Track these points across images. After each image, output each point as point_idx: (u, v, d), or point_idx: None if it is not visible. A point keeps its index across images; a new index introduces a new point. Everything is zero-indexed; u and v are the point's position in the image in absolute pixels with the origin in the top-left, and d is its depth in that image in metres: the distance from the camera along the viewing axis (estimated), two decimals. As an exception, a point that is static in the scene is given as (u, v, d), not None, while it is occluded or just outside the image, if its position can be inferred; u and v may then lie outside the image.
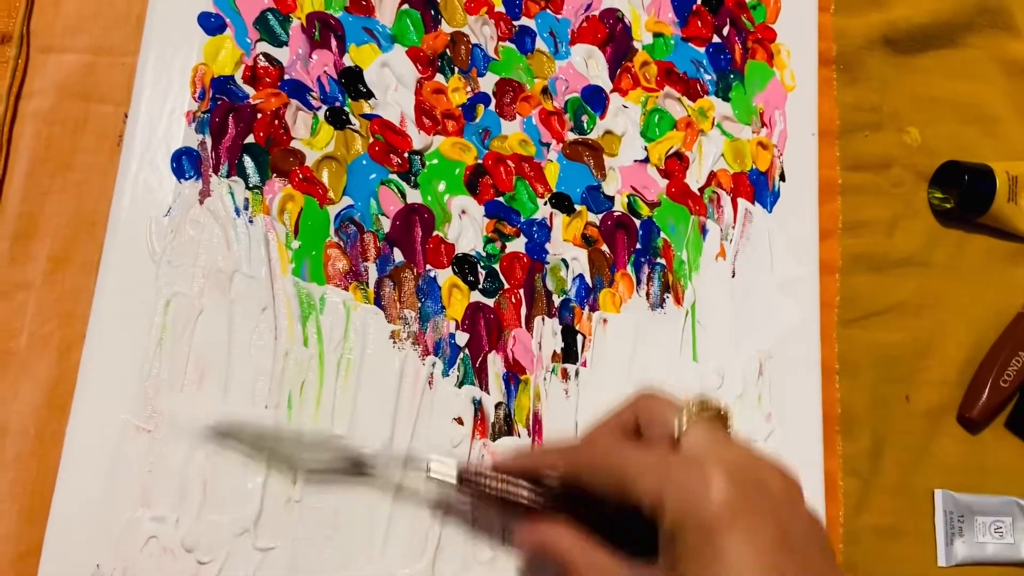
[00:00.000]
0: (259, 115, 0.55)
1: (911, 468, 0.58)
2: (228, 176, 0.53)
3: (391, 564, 0.49)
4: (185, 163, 0.53)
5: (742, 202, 0.59)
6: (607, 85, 0.60)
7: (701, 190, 0.59)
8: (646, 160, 0.59)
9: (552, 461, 0.42)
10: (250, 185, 0.54)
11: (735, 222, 0.59)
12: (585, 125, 0.59)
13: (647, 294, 0.56)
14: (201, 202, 0.53)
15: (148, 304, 0.51)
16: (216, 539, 0.48)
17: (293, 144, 0.55)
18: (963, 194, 0.62)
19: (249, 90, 0.55)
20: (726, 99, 0.61)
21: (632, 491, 0.36)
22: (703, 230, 0.58)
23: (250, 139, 0.54)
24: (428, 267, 0.54)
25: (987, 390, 0.59)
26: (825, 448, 0.56)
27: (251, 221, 0.53)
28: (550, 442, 0.43)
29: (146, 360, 0.50)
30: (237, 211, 0.53)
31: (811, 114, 0.62)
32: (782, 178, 0.60)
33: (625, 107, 0.59)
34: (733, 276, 0.58)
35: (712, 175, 0.59)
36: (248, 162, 0.54)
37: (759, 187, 0.60)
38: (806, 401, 0.56)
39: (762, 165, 0.60)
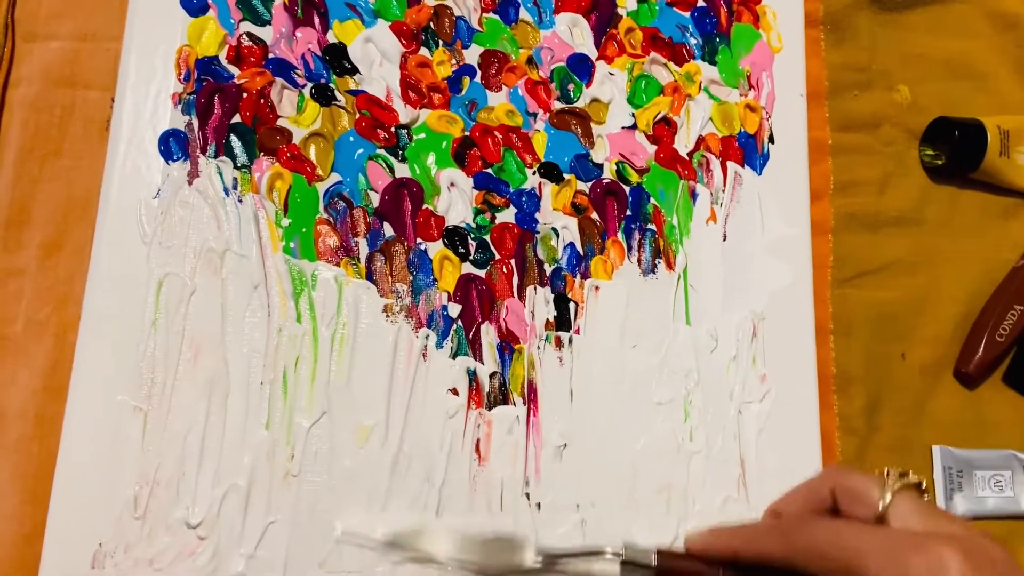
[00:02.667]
0: (245, 94, 0.55)
1: (908, 425, 0.58)
2: (216, 156, 0.54)
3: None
4: (172, 145, 0.53)
5: (731, 165, 0.59)
6: (592, 53, 0.59)
7: (690, 155, 0.59)
8: (634, 127, 0.59)
9: (759, 543, 0.38)
10: (238, 164, 0.54)
11: (725, 186, 0.59)
12: (571, 94, 0.58)
13: (639, 260, 0.56)
14: (190, 183, 0.53)
15: (141, 285, 0.51)
16: (216, 514, 0.49)
17: (280, 122, 0.55)
18: (954, 150, 0.61)
19: (234, 70, 0.55)
20: (712, 63, 0.61)
21: (862, 573, 0.34)
22: (693, 195, 0.58)
23: (236, 119, 0.54)
24: (419, 240, 0.54)
25: (983, 345, 0.59)
26: (821, 407, 0.56)
27: (240, 200, 0.53)
28: (742, 522, 0.40)
29: (141, 341, 0.50)
30: (226, 191, 0.53)
31: (799, 75, 0.62)
32: (771, 140, 0.60)
33: (611, 74, 0.59)
34: (724, 239, 0.58)
35: (700, 139, 0.59)
36: (235, 142, 0.54)
37: (748, 150, 0.59)
38: (801, 361, 0.56)
39: (751, 128, 0.60)
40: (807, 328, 0.57)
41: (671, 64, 0.60)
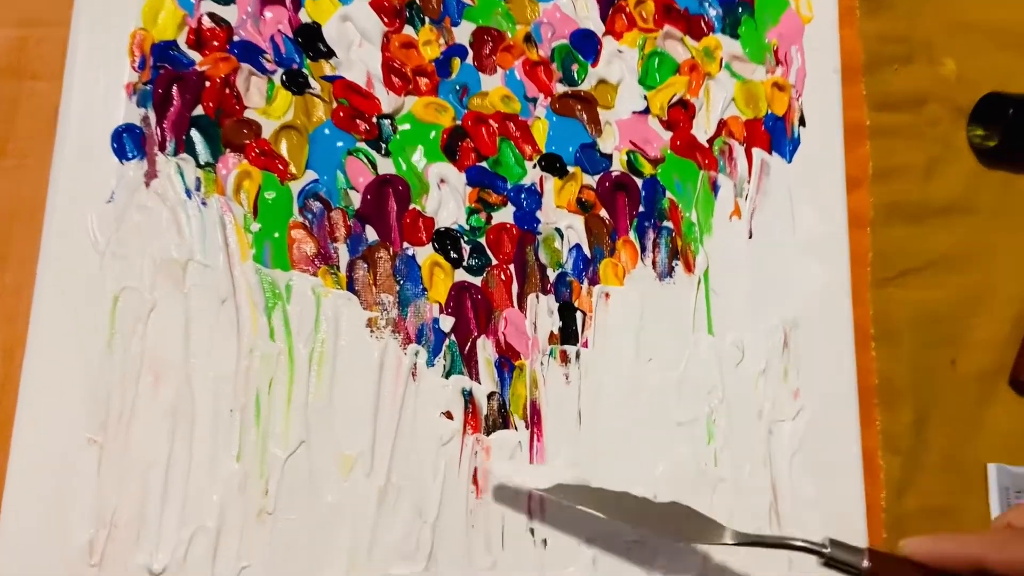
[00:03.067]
0: (207, 83, 0.49)
1: (960, 441, 0.52)
2: (176, 154, 0.48)
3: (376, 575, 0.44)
4: (127, 142, 0.48)
5: (757, 152, 0.52)
6: (599, 28, 0.53)
7: (710, 141, 0.52)
8: (646, 111, 0.52)
9: (1013, 551, 0.36)
10: (201, 163, 0.48)
11: (750, 176, 0.52)
12: (576, 75, 0.52)
13: (653, 262, 0.50)
14: (147, 184, 0.47)
15: (94, 301, 0.46)
16: (182, 559, 0.43)
17: (247, 114, 0.49)
18: (1008, 129, 0.55)
19: (195, 56, 0.49)
20: (735, 36, 0.54)
21: None
22: (714, 187, 0.52)
23: (198, 111, 0.49)
24: (405, 245, 0.48)
25: (1044, 350, 0.53)
26: (862, 424, 0.50)
27: (204, 203, 0.47)
28: (967, 532, 0.37)
29: (94, 364, 0.45)
30: (188, 192, 0.47)
31: (832, 48, 0.55)
32: (802, 123, 0.53)
33: (620, 52, 0.53)
34: (750, 237, 0.51)
35: (722, 124, 0.53)
36: (197, 137, 0.48)
37: (776, 134, 0.53)
38: (839, 373, 0.50)
39: (779, 109, 0.53)
40: (845, 335, 0.51)
41: (687, 39, 0.53)
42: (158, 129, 0.48)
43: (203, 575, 0.43)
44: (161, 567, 0.43)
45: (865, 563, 0.38)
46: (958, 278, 0.54)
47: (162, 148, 0.48)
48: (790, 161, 0.53)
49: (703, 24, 0.54)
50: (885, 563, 0.39)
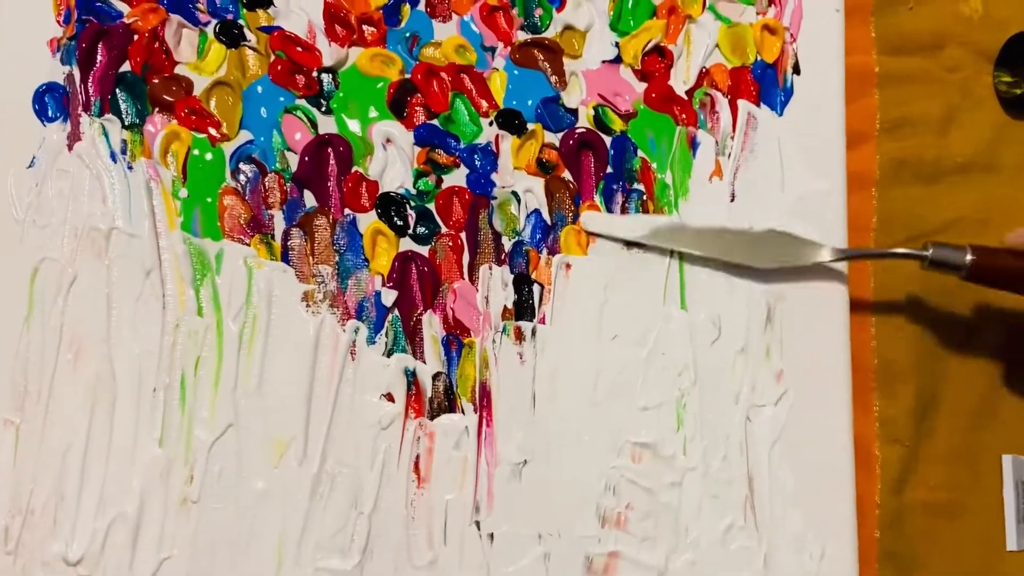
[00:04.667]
0: (135, 36, 0.45)
1: (971, 429, 0.46)
2: (100, 115, 0.44)
3: (307, 569, 0.41)
4: (49, 102, 0.45)
5: (744, 104, 0.47)
6: (567, -33, 0.47)
7: (690, 93, 0.47)
8: (618, 60, 0.47)
9: None
10: (127, 123, 0.44)
11: (735, 131, 0.46)
12: (539, 21, 0.47)
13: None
14: (70, 148, 0.44)
15: (11, 273, 0.43)
16: (100, 548, 0.41)
17: (177, 70, 0.45)
18: (1040, 75, 0.48)
19: (123, 7, 0.45)
20: (722, -27, 0.48)
21: None
22: (693, 144, 0.46)
23: (125, 67, 0.45)
24: (346, 211, 0.44)
25: (1073, 327, 0.46)
26: (856, 410, 0.45)
27: (130, 167, 0.44)
28: None
29: (11, 339, 0.42)
30: (113, 156, 0.44)
31: (836, -16, 0.49)
32: (796, 70, 0.47)
33: (590, -7, 0.47)
34: (732, 200, 0.46)
35: (704, 73, 0.47)
36: (123, 95, 0.45)
37: (766, 84, 0.47)
38: (830, 352, 0.45)
39: (769, 56, 0.47)
40: (839, 310, 0.45)
41: (667, -23, 0.48)
42: (82, 88, 0.45)
43: (122, 566, 0.41)
44: (77, 556, 0.41)
45: (968, 257, 0.42)
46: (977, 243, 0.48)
47: (86, 108, 0.44)
48: (781, 114, 0.47)
49: (685, -40, 0.48)
50: (988, 255, 0.42)
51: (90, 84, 0.45)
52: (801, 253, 0.44)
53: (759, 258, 0.44)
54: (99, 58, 0.45)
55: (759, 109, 0.47)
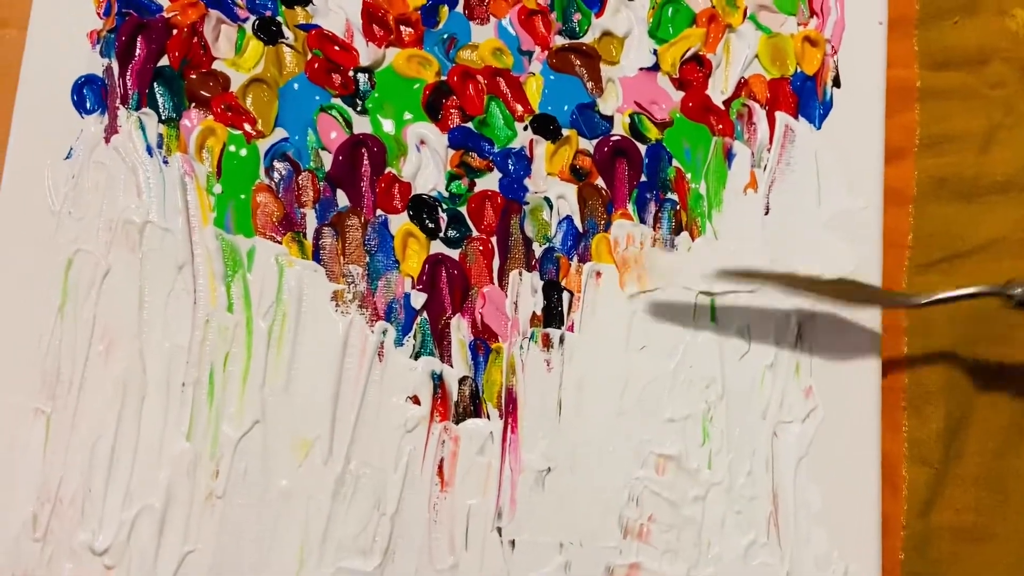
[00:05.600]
0: (173, 31, 0.45)
1: (1000, 454, 0.45)
2: (138, 108, 0.45)
3: (328, 568, 0.41)
4: (88, 94, 0.45)
5: (781, 117, 0.46)
6: (607, -28, 0.47)
7: (727, 103, 0.46)
8: (656, 67, 0.46)
9: None
10: (163, 118, 0.45)
11: (771, 143, 0.46)
12: (577, 26, 0.46)
13: (653, 239, 0.45)
14: (107, 140, 0.44)
15: (47, 264, 0.43)
16: (125, 540, 0.41)
17: (215, 66, 0.45)
18: (1087, 94, 0.47)
19: (163, 1, 0.46)
20: (764, -18, 0.47)
21: None
22: (728, 155, 0.46)
23: (164, 61, 0.45)
24: (378, 212, 0.44)
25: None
26: (885, 429, 0.44)
27: (165, 162, 0.44)
28: None
29: (44, 329, 0.43)
30: (149, 150, 0.44)
31: (880, -4, 0.48)
32: (836, 83, 0.47)
33: (629, 0, 0.47)
34: (767, 213, 0.45)
35: (742, 83, 0.46)
36: (160, 90, 0.45)
37: (805, 96, 0.46)
38: (860, 370, 0.44)
39: (809, 68, 0.47)
40: (872, 327, 0.45)
41: (708, -15, 0.47)
42: (121, 81, 0.45)
43: (146, 557, 0.41)
44: (104, 546, 0.41)
45: None
46: (1014, 264, 0.47)
47: (124, 102, 0.45)
48: (819, 127, 0.46)
49: (727, -32, 0.47)
50: None
51: (128, 77, 0.45)
52: (876, 299, 0.44)
53: (841, 296, 0.43)
54: (138, 52, 0.45)
55: (797, 122, 0.46)
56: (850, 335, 0.44)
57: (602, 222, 0.45)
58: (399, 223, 0.44)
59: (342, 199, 0.44)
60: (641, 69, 0.46)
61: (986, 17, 0.49)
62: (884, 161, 0.46)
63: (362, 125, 0.45)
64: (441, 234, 0.44)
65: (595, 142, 0.45)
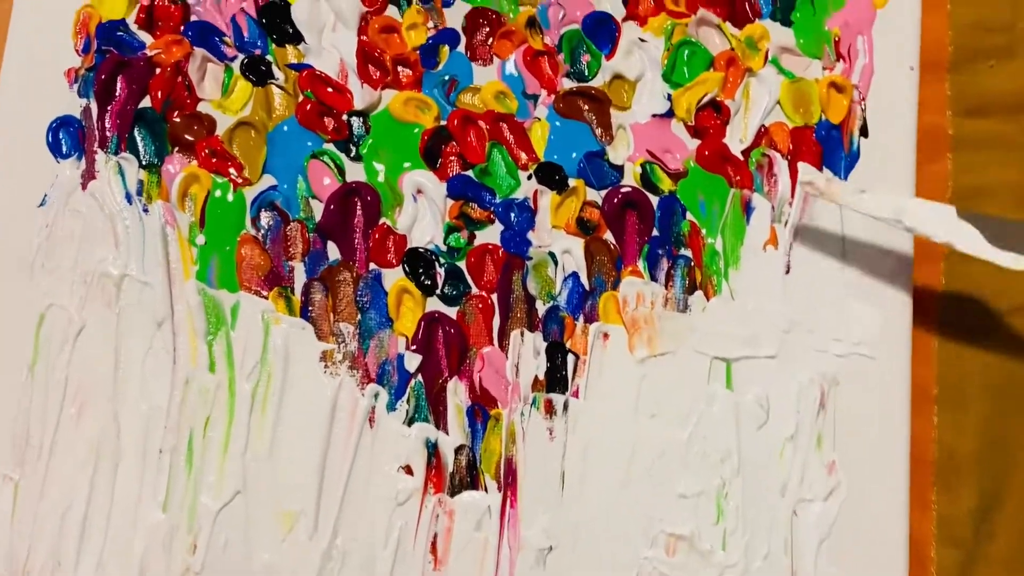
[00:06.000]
0: (156, 70, 0.42)
1: (1038, 533, 0.42)
2: (117, 152, 0.42)
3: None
4: (64, 137, 0.42)
5: (805, 168, 0.43)
6: (619, 11, 0.44)
7: (746, 153, 0.43)
8: (670, 114, 0.43)
9: None
10: (144, 163, 0.42)
11: (793, 196, 0.43)
12: (586, 68, 0.44)
13: (665, 298, 0.42)
14: (84, 186, 0.42)
15: (17, 320, 0.41)
16: (95, 619, 0.38)
17: (200, 107, 0.43)
18: None
19: (146, 38, 0.43)
20: (787, 23, 0.44)
21: None
22: (747, 208, 0.43)
23: (146, 102, 0.42)
24: (371, 266, 0.42)
25: None
26: (913, 507, 0.41)
27: (146, 210, 0.42)
28: None
29: (14, 389, 0.40)
30: (128, 197, 0.42)
31: (911, 39, 0.45)
32: (864, 132, 0.44)
33: (642, 40, 0.44)
34: (787, 272, 0.42)
35: (763, 131, 0.43)
36: (141, 133, 0.42)
37: (830, 146, 0.43)
38: (888, 443, 0.41)
39: (835, 116, 0.44)
40: (900, 397, 0.41)
41: (727, 25, 0.44)
42: (99, 123, 0.42)
43: (118, 638, 0.38)
44: (72, 625, 0.38)
45: None
46: (1052, 328, 0.44)
47: (103, 145, 0.42)
48: (845, 179, 0.43)
49: (748, 8, 0.44)
50: None
51: (107, 119, 0.42)
52: None
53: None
54: (118, 91, 0.42)
55: (822, 174, 0.43)
56: (876, 404, 0.41)
57: (610, 279, 0.42)
58: (393, 278, 0.41)
59: (333, 252, 0.42)
60: (654, 115, 0.43)
61: (1024, 61, 0.46)
62: (914, 216, 0.43)
63: (355, 173, 0.42)
64: (438, 291, 0.42)
65: (604, 193, 0.42)
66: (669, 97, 0.43)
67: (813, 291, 0.42)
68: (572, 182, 0.42)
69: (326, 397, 0.40)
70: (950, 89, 0.45)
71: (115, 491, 0.40)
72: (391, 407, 0.41)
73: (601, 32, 0.44)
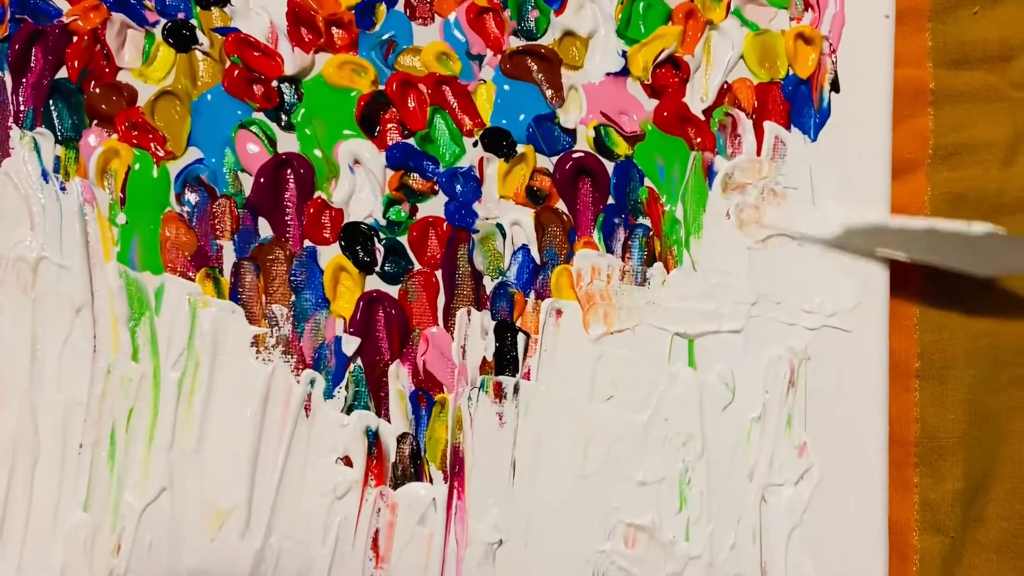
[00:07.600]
0: (73, 38, 0.40)
1: (1030, 516, 0.39)
2: (33, 127, 0.39)
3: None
4: (-25, 113, 0.39)
5: (770, 127, 0.40)
6: (569, -37, 0.41)
7: (708, 112, 0.40)
8: (625, 72, 0.40)
9: None
10: (61, 138, 0.39)
11: (759, 158, 0.40)
12: (535, 26, 0.40)
13: (623, 271, 0.39)
14: (-2, 165, 0.39)
15: (-74, 308, 0.38)
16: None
17: (119, 77, 0.40)
18: None
19: (63, 4, 0.40)
20: (751, -28, 0.41)
21: None
22: (709, 172, 0.40)
23: (62, 73, 0.40)
24: (306, 243, 0.39)
25: None
26: (893, 491, 0.38)
27: (63, 188, 0.39)
28: None
29: (-77, 384, 0.38)
30: (44, 175, 0.39)
31: (886, -15, 0.41)
32: (834, 88, 0.40)
33: (595, -6, 0.41)
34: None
35: (725, 89, 0.40)
36: (57, 106, 0.39)
37: (798, 103, 0.40)
38: (864, 421, 0.38)
39: (803, 70, 0.40)
40: (877, 371, 0.39)
41: (686, -25, 0.41)
42: (14, 97, 0.39)
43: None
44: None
45: None
46: (1043, 294, 0.41)
47: (17, 120, 0.39)
48: (815, 139, 0.40)
49: (707, -45, 0.41)
50: None
51: (22, 92, 0.39)
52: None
53: (978, 263, 0.38)
54: (33, 62, 0.40)
55: (789, 133, 0.40)
56: (851, 380, 0.38)
57: (563, 252, 0.39)
58: (329, 256, 0.39)
59: (264, 229, 0.39)
60: (608, 74, 0.40)
61: (1011, 6, 0.42)
62: (892, 176, 0.40)
63: (287, 143, 0.39)
64: (378, 268, 0.39)
65: (555, 159, 0.39)
66: (624, 54, 0.40)
67: (781, 259, 0.39)
68: (521, 148, 0.39)
69: (258, 385, 0.38)
70: (931, 38, 0.42)
71: (33, 490, 0.37)
72: (328, 394, 0.38)
73: (550, -14, 0.41)
